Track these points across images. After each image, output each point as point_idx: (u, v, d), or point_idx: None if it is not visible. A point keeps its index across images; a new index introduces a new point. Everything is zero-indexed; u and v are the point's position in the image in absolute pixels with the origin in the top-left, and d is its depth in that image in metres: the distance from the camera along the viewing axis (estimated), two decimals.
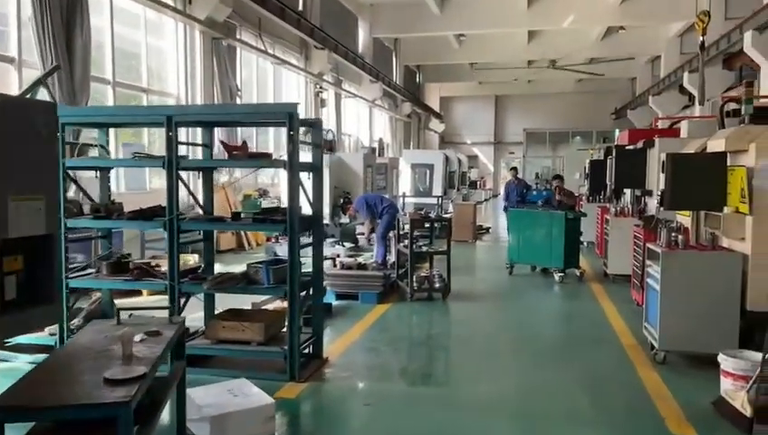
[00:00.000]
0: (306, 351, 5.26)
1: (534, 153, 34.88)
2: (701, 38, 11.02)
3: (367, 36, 21.11)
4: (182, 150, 5.19)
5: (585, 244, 12.09)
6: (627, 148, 10.05)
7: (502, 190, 15.09)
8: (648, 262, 5.75)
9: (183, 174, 5.01)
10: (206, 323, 5.06)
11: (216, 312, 5.47)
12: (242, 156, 5.04)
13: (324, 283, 7.65)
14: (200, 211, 5.43)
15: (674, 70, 20.68)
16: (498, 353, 5.82)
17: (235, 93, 11.82)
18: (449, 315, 7.42)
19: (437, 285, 7.93)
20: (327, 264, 8.69)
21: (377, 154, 17.67)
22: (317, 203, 5.19)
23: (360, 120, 22.10)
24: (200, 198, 5.54)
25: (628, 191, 10.51)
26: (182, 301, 5.02)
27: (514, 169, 15.01)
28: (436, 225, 9.40)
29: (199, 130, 5.50)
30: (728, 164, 5.44)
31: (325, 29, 16.24)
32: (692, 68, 18.64)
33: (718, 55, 16.82)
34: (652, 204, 9.00)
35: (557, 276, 9.23)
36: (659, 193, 5.69)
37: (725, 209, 5.36)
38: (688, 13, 18.42)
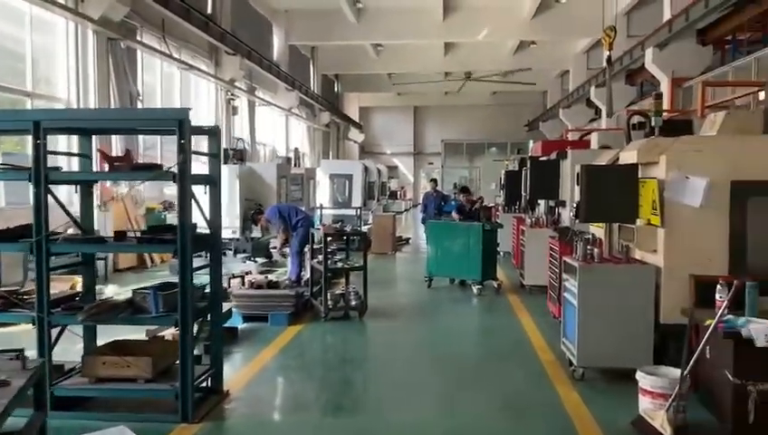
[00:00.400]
0: (204, 385, 4.72)
1: (453, 164, 35.42)
2: (608, 52, 11.37)
3: (282, 43, 20.56)
4: (63, 161, 4.54)
5: (502, 254, 12.13)
6: (541, 159, 10.15)
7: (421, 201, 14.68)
8: (564, 275, 5.65)
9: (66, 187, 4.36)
10: (83, 360, 4.41)
11: (101, 344, 4.81)
12: (124, 167, 4.45)
13: (230, 304, 7.13)
14: (77, 230, 4.76)
15: (581, 84, 21.54)
16: (416, 377, 5.49)
17: (135, 99, 10.97)
18: (366, 336, 7.05)
19: (353, 303, 7.55)
20: (235, 283, 8.13)
21: (292, 164, 17.14)
22: (215, 219, 4.67)
23: (277, 129, 21.45)
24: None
25: (542, 202, 10.62)
26: (55, 334, 4.35)
27: (434, 180, 14.88)
28: (353, 238, 9.01)
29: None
30: (640, 176, 5.44)
31: (237, 34, 15.58)
32: (598, 82, 19.44)
33: (622, 71, 17.61)
34: (566, 215, 9.08)
35: (475, 289, 9.10)
36: (575, 205, 5.60)
37: (638, 222, 5.33)
38: (594, 30, 19.26)
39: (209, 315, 4.75)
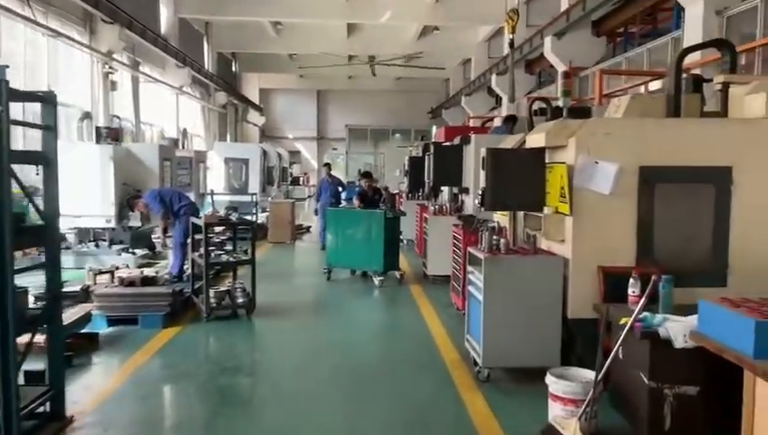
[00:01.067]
0: (41, 410, 3.83)
1: (357, 149, 34.86)
2: (510, 36, 11.20)
3: (171, 16, 18.92)
4: None
5: (405, 242, 11.74)
6: (444, 144, 9.78)
7: (306, 190, 14.04)
8: (469, 267, 5.21)
9: None
10: None
11: None
12: None
13: (93, 305, 6.13)
14: None
15: (483, 72, 21.64)
16: (309, 388, 4.83)
17: None
18: (253, 338, 6.31)
19: (240, 301, 6.77)
20: (103, 279, 7.09)
21: (180, 146, 15.75)
22: (50, 207, 3.75)
23: (168, 109, 19.82)
24: None
25: (445, 189, 10.29)
26: None
27: (327, 165, 13.66)
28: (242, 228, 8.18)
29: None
30: (547, 161, 5.10)
31: (117, 2, 13.99)
32: (499, 71, 19.55)
33: (521, 60, 17.78)
34: (469, 202, 8.77)
35: (377, 280, 8.58)
36: (480, 192, 5.17)
37: (545, 209, 4.98)
38: (496, 18, 19.32)
39: (47, 325, 3.85)
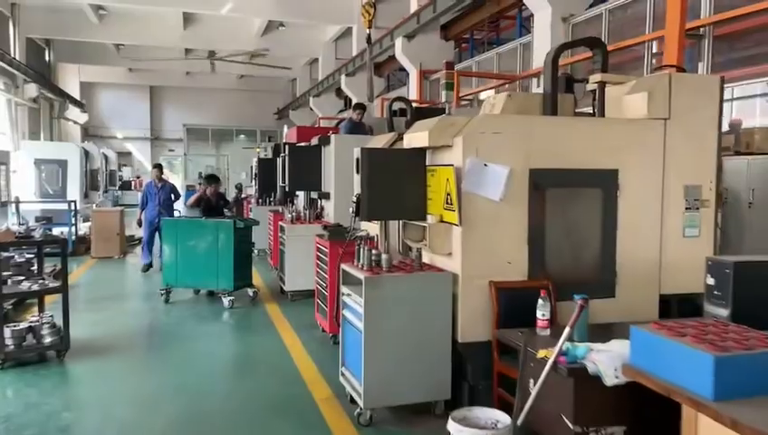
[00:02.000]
0: None
1: (197, 151, 32.42)
2: (368, 31, 10.63)
3: None
4: None
5: (257, 252, 10.63)
6: (300, 145, 8.88)
7: (139, 196, 11.03)
8: (344, 289, 4.40)
9: None
10: None
11: None
12: None
13: None
14: None
15: (331, 73, 21.06)
16: None
17: None
18: (65, 390, 4.88)
19: (48, 340, 5.29)
20: None
21: None
22: None
23: None
24: None
25: (301, 194, 9.41)
26: None
27: (158, 166, 10.92)
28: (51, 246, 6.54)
29: None
30: (429, 163, 4.47)
31: None
32: (348, 72, 19.11)
33: (370, 61, 17.43)
34: (330, 208, 7.98)
35: (226, 301, 7.44)
36: (354, 199, 4.40)
37: (429, 218, 4.35)
38: (344, 17, 18.82)
39: None
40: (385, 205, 4.35)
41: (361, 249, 4.21)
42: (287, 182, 8.40)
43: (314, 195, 8.61)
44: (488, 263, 4.11)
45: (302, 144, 9.03)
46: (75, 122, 28.34)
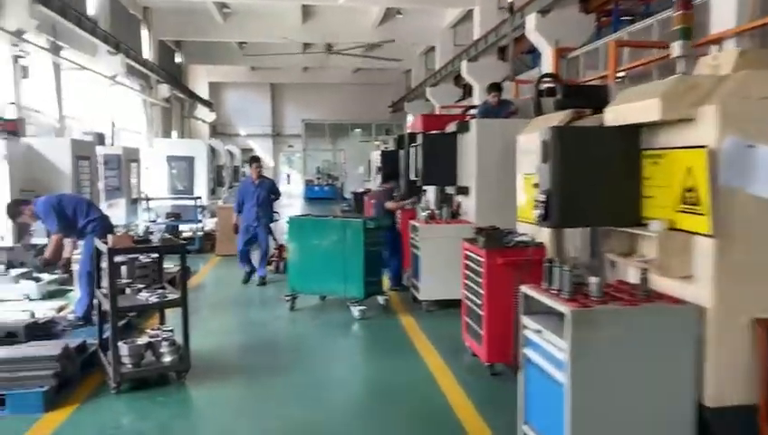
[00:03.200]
0: None
1: (315, 146, 32.54)
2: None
3: None
4: None
5: None
6: (435, 133, 7.76)
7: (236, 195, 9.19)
8: (528, 321, 3.20)
9: None
10: None
11: None
12: None
13: None
14: None
15: (450, 60, 19.79)
16: None
17: None
18: (186, 424, 4.12)
19: (167, 359, 4.59)
20: None
21: (109, 142, 13.13)
22: None
23: (100, 102, 17.11)
24: None
25: (430, 189, 8.31)
26: None
27: (255, 159, 9.19)
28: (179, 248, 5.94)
29: None
30: (657, 146, 3.14)
31: None
32: (470, 57, 17.71)
33: (494, 44, 16.08)
34: (470, 206, 6.80)
35: (356, 310, 6.49)
36: (542, 198, 3.18)
37: (654, 224, 3.02)
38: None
39: None
40: (585, 205, 3.09)
41: (555, 271, 2.98)
42: (419, 176, 7.32)
43: (450, 190, 7.46)
44: (756, 292, 2.73)
45: (436, 132, 7.89)
46: (204, 121, 29.37)
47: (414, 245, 7.05)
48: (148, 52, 20.63)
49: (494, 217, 5.42)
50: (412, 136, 8.55)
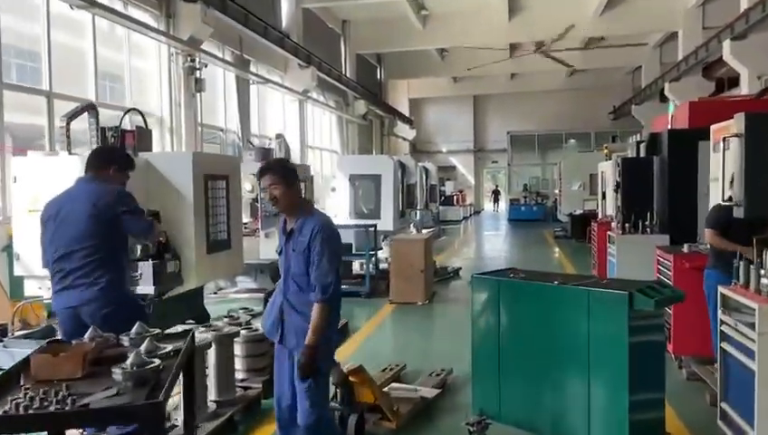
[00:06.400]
0: None
1: (520, 161, 28.95)
2: None
3: (292, 7, 15.15)
4: None
5: None
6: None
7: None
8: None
9: None
10: None
11: None
12: None
13: None
14: None
15: (703, 43, 14.88)
16: None
17: None
18: None
19: None
20: None
21: (285, 155, 11.24)
22: None
23: (291, 119, 16.02)
24: None
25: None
26: None
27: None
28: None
29: None
30: None
31: None
32: (734, 35, 12.78)
33: (698, 65, 11.44)
34: None
35: None
36: None
37: None
38: None
39: None
40: None
41: None
42: (740, 194, 3.67)
43: None
44: None
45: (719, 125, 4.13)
46: (404, 138, 27.83)
47: (726, 325, 3.42)
48: (345, 67, 19.38)
49: None
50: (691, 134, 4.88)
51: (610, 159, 11.00)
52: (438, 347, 6.00)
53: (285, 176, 2.94)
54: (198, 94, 10.44)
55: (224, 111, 12.44)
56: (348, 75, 19.14)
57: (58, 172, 5.21)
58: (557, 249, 14.01)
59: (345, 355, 5.21)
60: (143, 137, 5.93)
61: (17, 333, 5.16)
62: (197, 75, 10.33)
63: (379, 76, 24.21)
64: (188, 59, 10.19)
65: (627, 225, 7.22)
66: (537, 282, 3.54)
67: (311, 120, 17.31)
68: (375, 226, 8.50)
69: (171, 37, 9.89)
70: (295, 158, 15.34)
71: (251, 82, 13.10)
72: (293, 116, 15.82)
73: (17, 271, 5.07)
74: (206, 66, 10.59)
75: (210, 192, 6.20)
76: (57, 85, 7.48)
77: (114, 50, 9.36)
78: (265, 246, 8.20)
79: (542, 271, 4.16)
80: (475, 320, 3.73)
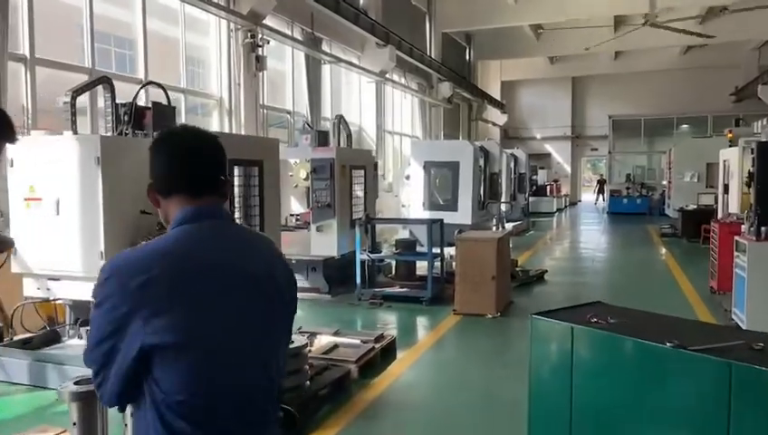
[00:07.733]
0: None
1: (623, 148, 26.21)
2: None
3: None
4: None
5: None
6: None
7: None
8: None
9: None
10: None
11: None
12: None
13: None
14: None
15: None
16: None
17: None
18: None
19: None
20: None
21: (331, 142, 9.86)
22: None
23: (368, 102, 15.00)
24: None
25: None
26: None
27: None
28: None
29: None
30: None
31: None
32: None
33: None
34: None
35: None
36: None
37: None
38: None
39: None
40: None
41: None
42: None
43: None
44: None
45: None
46: (494, 124, 26.05)
47: None
48: (429, 47, 18.07)
49: None
50: None
51: (736, 146, 9.00)
52: (502, 388, 4.43)
53: None
54: (261, 74, 9.66)
55: (291, 93, 11.63)
56: (432, 56, 17.80)
57: (59, 155, 4.52)
58: (664, 250, 11.99)
59: (374, 392, 4.09)
60: (163, 114, 5.12)
61: (16, 338, 4.54)
62: (259, 53, 9.53)
63: (467, 57, 22.61)
64: (249, 35, 9.41)
65: (764, 229, 5.50)
66: (636, 339, 2.19)
67: (389, 103, 16.22)
68: (442, 221, 7.23)
69: (230, 11, 9.13)
70: (369, 143, 14.36)
71: (322, 61, 12.18)
72: (370, 99, 14.80)
73: (14, 268, 4.44)
74: (268, 43, 9.77)
75: (238, 179, 5.29)
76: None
77: (172, 23, 8.73)
78: (318, 241, 7.27)
79: (644, 311, 2.73)
80: (533, 387, 2.45)
